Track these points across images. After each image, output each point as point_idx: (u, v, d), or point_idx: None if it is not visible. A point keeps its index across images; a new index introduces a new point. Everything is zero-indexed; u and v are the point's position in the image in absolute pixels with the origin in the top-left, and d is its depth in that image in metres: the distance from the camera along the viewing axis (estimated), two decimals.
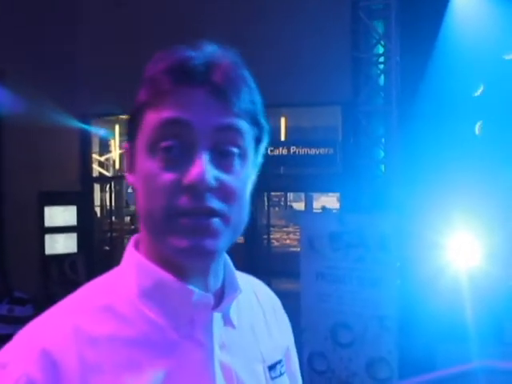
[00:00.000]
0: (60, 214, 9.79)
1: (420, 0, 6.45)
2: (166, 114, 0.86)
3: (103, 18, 9.25)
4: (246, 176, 0.91)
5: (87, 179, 10.96)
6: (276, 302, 1.17)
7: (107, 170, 17.32)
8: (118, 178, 17.14)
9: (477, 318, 5.00)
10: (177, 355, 0.90)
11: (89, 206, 11.06)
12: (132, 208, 17.33)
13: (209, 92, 0.87)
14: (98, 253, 11.49)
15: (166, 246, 0.88)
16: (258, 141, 0.95)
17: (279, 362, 1.06)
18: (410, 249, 5.35)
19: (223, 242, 0.89)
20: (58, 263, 9.71)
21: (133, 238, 0.99)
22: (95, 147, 15.89)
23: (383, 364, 5.18)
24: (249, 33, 7.37)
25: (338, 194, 11.62)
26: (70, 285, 10.34)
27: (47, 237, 9.64)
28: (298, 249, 5.69)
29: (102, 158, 17.40)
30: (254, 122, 0.93)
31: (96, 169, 15.69)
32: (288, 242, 13.29)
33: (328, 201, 14.13)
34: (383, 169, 6.65)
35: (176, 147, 0.87)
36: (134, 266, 0.95)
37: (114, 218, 14.97)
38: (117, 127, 15.62)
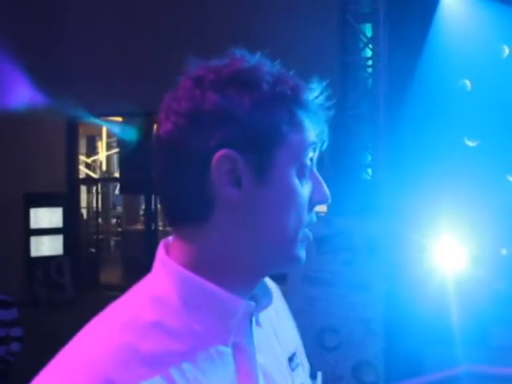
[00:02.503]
0: (46, 216, 9.74)
1: (408, 3, 6.46)
2: (312, 137, 0.94)
3: (94, 19, 9.22)
4: None
5: (74, 181, 10.92)
6: (279, 292, 1.17)
7: (94, 172, 17.26)
8: (104, 180, 17.10)
9: (463, 321, 5.01)
10: (227, 366, 0.90)
11: (75, 208, 11.02)
12: (118, 210, 17.27)
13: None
14: (84, 255, 11.45)
15: (288, 257, 0.94)
16: None
17: (295, 353, 1.09)
18: (397, 252, 5.35)
19: None
20: (43, 265, 9.66)
21: (163, 245, 0.96)
22: (82, 149, 15.84)
23: (369, 368, 5.17)
24: (237, 36, 7.36)
25: None
26: (55, 287, 10.27)
27: (32, 239, 9.59)
28: None
29: (89, 160, 17.33)
30: None
31: (83, 170, 15.64)
32: None
33: None
34: (370, 172, 6.66)
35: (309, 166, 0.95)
36: (175, 278, 0.91)
37: (100, 220, 14.93)
38: (104, 129, 15.57)
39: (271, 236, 0.92)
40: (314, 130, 0.95)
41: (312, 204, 0.95)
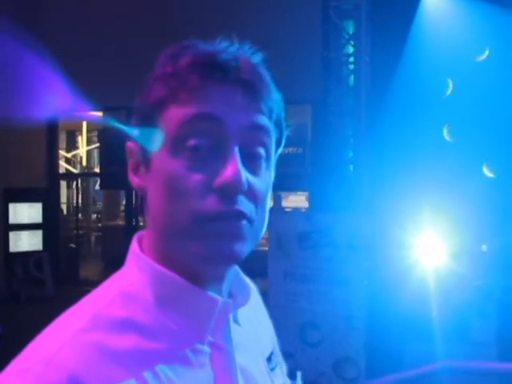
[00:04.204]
0: (25, 211, 9.67)
1: (391, 0, 6.47)
2: (196, 109, 0.81)
3: (71, 16, 9.15)
4: (269, 179, 0.89)
5: (53, 176, 10.83)
6: (256, 290, 1.13)
7: (74, 167, 17.15)
8: (85, 175, 16.99)
9: (444, 317, 5.04)
10: (204, 366, 0.86)
11: (55, 203, 10.94)
12: (99, 205, 17.18)
13: (239, 88, 0.84)
14: (64, 250, 11.37)
15: (186, 252, 0.83)
16: (277, 144, 0.92)
17: (272, 352, 1.05)
18: (378, 248, 5.36)
19: (248, 246, 0.86)
20: (22, 261, 9.58)
21: (135, 239, 0.92)
22: (62, 143, 15.73)
23: (351, 364, 5.18)
24: (218, 31, 7.32)
25: (306, 194, 11.66)
26: (34, 282, 10.20)
27: (11, 234, 9.52)
28: (266, 248, 5.68)
29: (69, 155, 17.22)
30: (278, 124, 0.90)
31: (63, 165, 15.53)
32: None
33: (297, 200, 14.16)
34: (352, 168, 6.67)
35: (204, 146, 0.81)
36: (148, 274, 0.87)
37: (80, 216, 14.84)
38: (84, 124, 15.47)
39: (161, 229, 0.85)
40: (203, 100, 0.82)
41: (212, 188, 0.81)
